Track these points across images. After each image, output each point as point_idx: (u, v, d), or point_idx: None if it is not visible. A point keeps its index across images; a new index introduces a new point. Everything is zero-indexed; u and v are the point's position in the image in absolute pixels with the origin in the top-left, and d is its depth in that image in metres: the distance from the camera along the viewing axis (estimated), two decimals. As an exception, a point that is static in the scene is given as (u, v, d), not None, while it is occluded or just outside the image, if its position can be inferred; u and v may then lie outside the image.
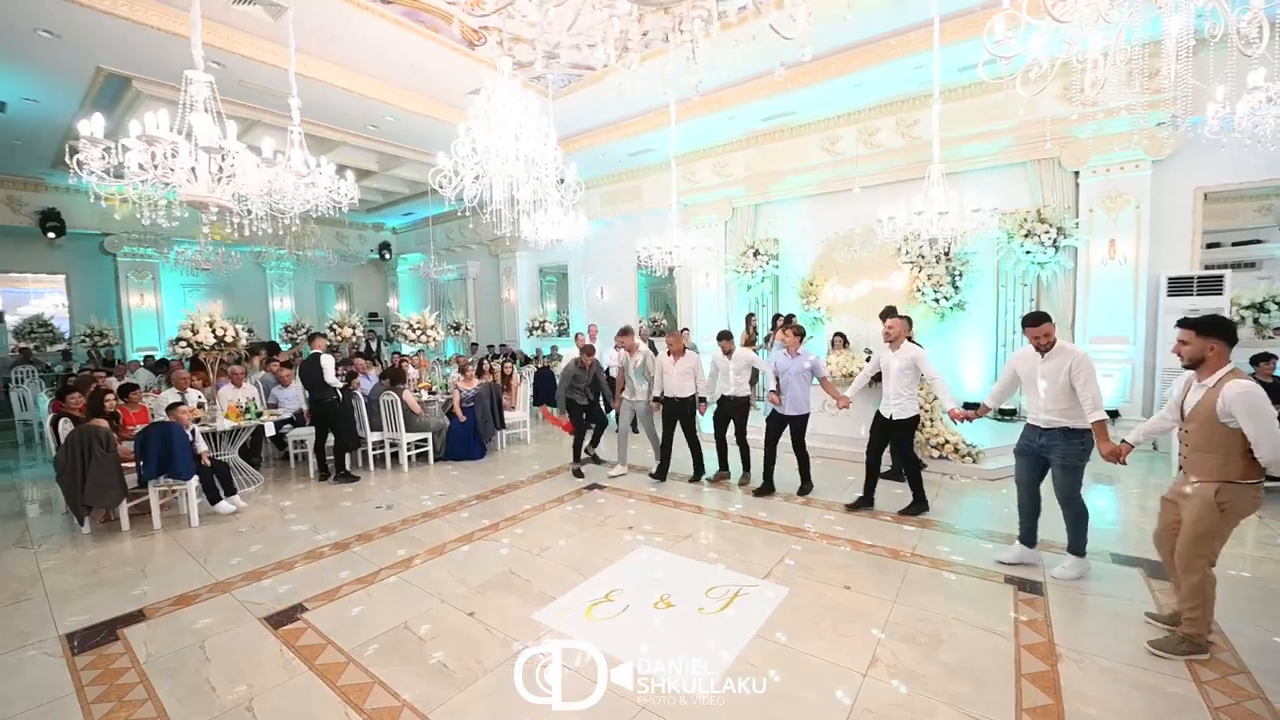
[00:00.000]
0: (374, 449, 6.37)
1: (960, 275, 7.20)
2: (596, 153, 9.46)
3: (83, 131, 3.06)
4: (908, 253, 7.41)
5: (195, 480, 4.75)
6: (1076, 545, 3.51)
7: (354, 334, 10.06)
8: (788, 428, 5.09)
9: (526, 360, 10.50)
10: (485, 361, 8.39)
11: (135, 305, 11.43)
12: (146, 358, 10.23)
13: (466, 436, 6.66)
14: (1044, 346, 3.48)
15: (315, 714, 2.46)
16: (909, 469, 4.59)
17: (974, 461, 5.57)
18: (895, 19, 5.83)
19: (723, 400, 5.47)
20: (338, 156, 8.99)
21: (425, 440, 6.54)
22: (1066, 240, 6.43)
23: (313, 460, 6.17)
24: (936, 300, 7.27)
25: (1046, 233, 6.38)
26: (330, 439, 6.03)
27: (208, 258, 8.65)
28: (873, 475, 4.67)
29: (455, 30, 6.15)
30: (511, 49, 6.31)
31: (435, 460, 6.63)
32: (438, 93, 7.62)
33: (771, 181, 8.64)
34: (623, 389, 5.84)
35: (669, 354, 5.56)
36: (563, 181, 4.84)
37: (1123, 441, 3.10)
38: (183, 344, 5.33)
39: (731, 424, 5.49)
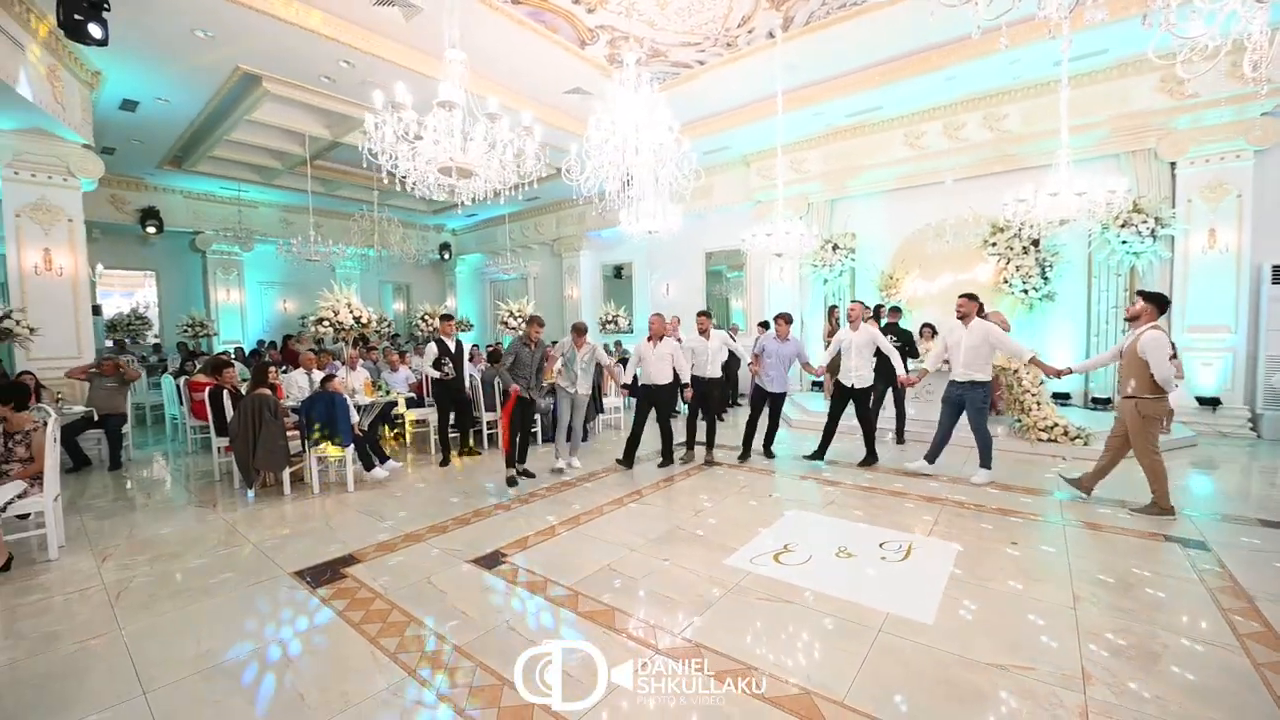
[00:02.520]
0: (487, 428, 6.66)
1: (1050, 266, 7.33)
2: (672, 151, 9.75)
3: (377, 102, 3.40)
4: (994, 244, 7.57)
5: (352, 447, 5.06)
6: (986, 462, 4.81)
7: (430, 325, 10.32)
8: (768, 402, 5.72)
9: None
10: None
11: (222, 300, 11.97)
12: (236, 349, 10.70)
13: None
14: (964, 317, 4.76)
15: (578, 631, 2.69)
16: (867, 428, 5.48)
17: (1084, 444, 5.68)
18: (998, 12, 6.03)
19: (697, 381, 5.63)
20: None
21: (534, 421, 6.81)
22: (1164, 230, 6.54)
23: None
24: (1025, 291, 7.40)
25: (1144, 222, 6.50)
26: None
27: (317, 250, 9.07)
28: (829, 436, 5.64)
29: (569, 29, 6.49)
30: (619, 47, 6.64)
31: (543, 441, 6.91)
32: (536, 93, 7.97)
33: (850, 176, 8.85)
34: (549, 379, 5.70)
35: (647, 340, 5.52)
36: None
37: (1067, 368, 4.56)
38: (324, 324, 5.66)
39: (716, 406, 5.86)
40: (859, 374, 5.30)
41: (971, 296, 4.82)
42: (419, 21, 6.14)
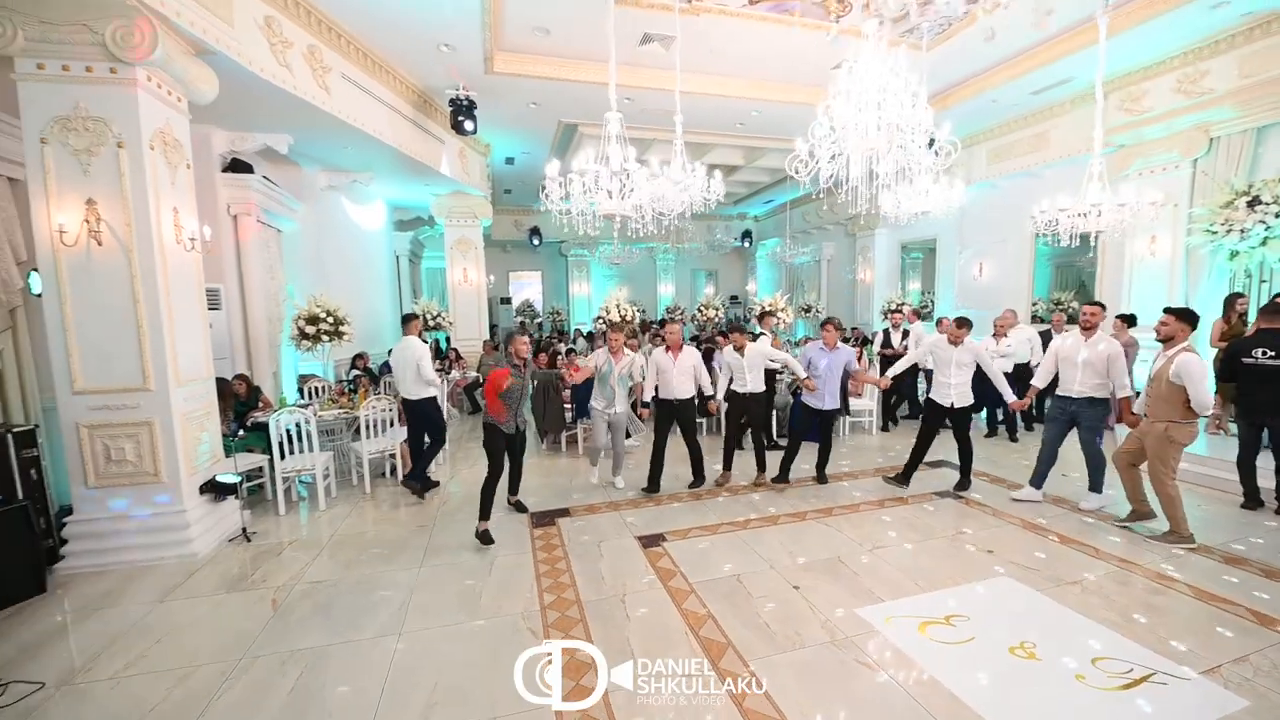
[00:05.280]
0: (724, 418, 7.15)
1: None
2: (984, 100, 7.96)
3: (549, 172, 4.45)
4: None
5: (602, 423, 6.31)
6: (1097, 485, 4.52)
7: (716, 315, 11.37)
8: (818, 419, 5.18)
9: (867, 341, 9.88)
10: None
11: (576, 292, 15.75)
12: (578, 330, 14.00)
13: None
14: (1090, 327, 4.38)
15: (665, 624, 3.02)
16: (965, 453, 4.98)
17: None
18: None
19: (735, 397, 5.22)
20: (711, 158, 10.20)
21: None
22: None
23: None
24: None
25: None
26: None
27: (619, 254, 11.19)
28: (916, 462, 5.09)
29: (817, 9, 6.09)
30: (880, 7, 5.86)
31: (776, 435, 6.98)
32: (798, 78, 7.73)
33: (1297, 86, 5.53)
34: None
35: (666, 350, 5.06)
36: (932, 144, 4.41)
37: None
38: (599, 320, 7.11)
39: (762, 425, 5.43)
40: (959, 392, 4.83)
41: (1102, 305, 4.47)
42: (675, 47, 6.81)
